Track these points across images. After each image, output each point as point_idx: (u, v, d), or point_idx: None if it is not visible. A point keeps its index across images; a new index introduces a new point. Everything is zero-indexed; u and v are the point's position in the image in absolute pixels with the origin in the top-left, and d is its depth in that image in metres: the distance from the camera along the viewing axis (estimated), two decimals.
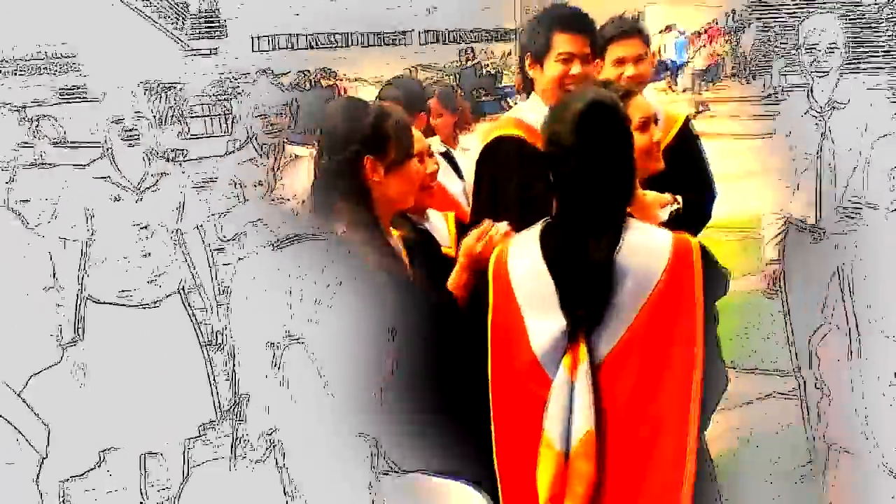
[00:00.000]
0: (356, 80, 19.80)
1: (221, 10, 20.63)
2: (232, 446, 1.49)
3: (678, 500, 2.64)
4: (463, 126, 4.90)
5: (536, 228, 2.76)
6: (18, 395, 4.09)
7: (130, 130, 4.72)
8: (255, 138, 5.01)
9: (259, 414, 1.45)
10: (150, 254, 4.74)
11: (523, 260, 2.77)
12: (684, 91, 19.91)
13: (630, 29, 3.96)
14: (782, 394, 4.90)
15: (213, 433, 4.38)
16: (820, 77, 4.80)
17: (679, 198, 3.07)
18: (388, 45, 22.32)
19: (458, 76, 22.30)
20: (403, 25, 22.61)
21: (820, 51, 4.73)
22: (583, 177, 2.60)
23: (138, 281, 4.72)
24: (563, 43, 3.56)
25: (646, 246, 2.72)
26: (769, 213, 4.73)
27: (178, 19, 19.50)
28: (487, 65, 22.43)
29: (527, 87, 3.69)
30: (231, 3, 20.71)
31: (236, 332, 1.49)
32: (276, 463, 1.40)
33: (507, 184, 3.16)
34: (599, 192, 2.61)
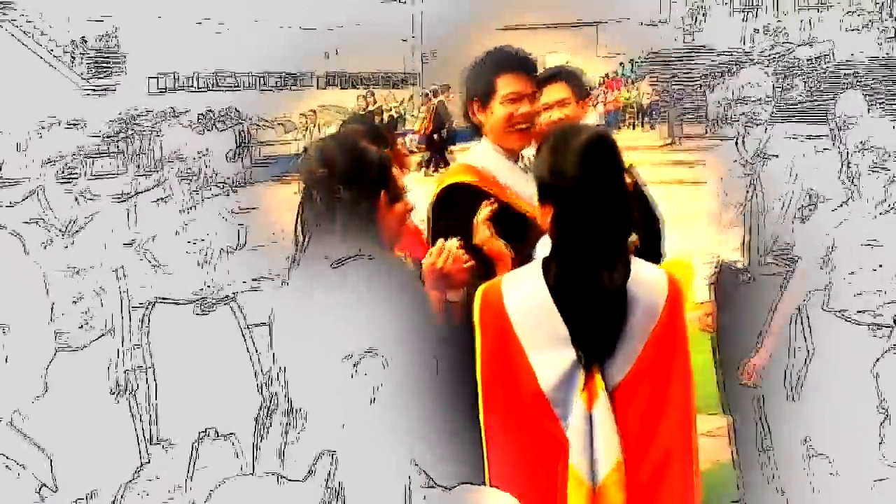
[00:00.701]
0: (261, 121, 19.64)
1: (121, 47, 20.35)
2: (281, 460, 1.41)
3: None
4: (402, 166, 4.83)
5: (535, 265, 2.73)
6: None
7: (67, 170, 4.53)
8: (171, 180, 4.82)
9: (309, 430, 1.38)
10: (80, 297, 4.56)
11: (524, 296, 2.72)
12: None
13: (553, 74, 3.98)
14: (711, 433, 4.92)
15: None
16: (749, 128, 4.89)
17: (635, 235, 3.11)
18: (289, 87, 22.32)
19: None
20: (305, 67, 22.65)
21: (751, 102, 4.82)
22: (590, 207, 2.60)
23: (70, 324, 4.52)
24: (507, 84, 3.53)
25: (648, 276, 2.74)
26: (702, 254, 4.81)
27: (74, 58, 19.14)
28: (389, 109, 22.50)
29: (475, 132, 3.66)
30: (130, 43, 20.45)
31: (285, 351, 1.42)
32: (325, 481, 1.32)
33: (463, 231, 3.11)
34: (606, 221, 2.61)
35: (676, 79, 20.51)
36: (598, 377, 2.57)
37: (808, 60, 20.74)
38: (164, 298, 4.61)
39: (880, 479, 3.68)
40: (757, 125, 4.78)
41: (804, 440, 4.05)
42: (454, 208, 3.28)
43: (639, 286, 2.65)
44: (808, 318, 4.15)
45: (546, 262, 2.71)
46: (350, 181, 2.64)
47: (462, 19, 22.85)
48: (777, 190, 4.73)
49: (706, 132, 16.70)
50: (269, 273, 4.37)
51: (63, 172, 4.80)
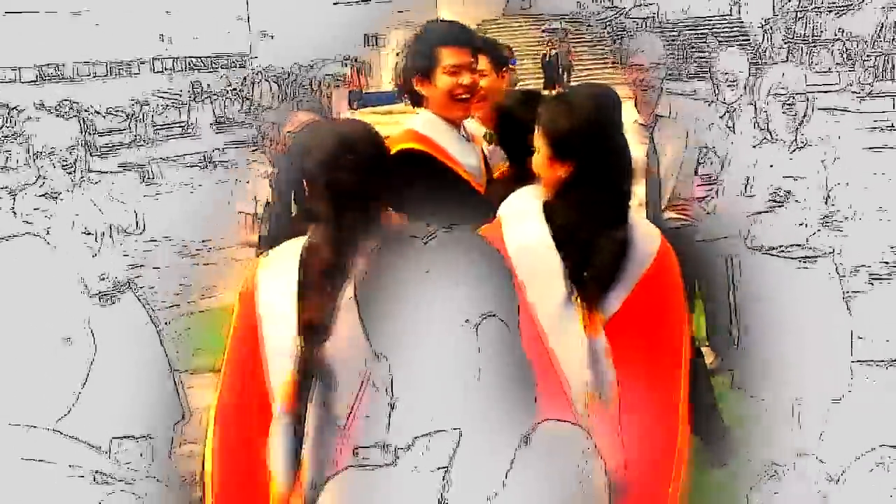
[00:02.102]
0: (94, 110, 18.89)
1: None
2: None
3: (672, 452, 2.80)
4: None
5: (534, 208, 2.77)
6: None
7: None
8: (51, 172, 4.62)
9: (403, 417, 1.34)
10: None
11: (524, 236, 2.80)
12: None
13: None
14: None
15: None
16: (644, 91, 5.03)
17: None
18: (119, 74, 21.60)
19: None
20: (136, 54, 21.95)
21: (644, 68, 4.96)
22: (598, 151, 2.69)
23: None
24: (448, 56, 3.54)
25: (642, 226, 2.84)
26: None
27: None
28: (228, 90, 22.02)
29: (414, 102, 3.64)
30: None
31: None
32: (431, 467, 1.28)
33: (418, 195, 3.09)
34: (612, 165, 2.73)
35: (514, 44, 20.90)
36: (595, 311, 2.69)
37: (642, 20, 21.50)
38: None
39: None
40: (650, 88, 4.89)
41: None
42: (406, 172, 3.25)
43: (635, 231, 2.75)
44: (732, 259, 4.30)
45: (546, 206, 2.78)
46: (372, 166, 2.64)
47: None
48: (674, 148, 4.87)
49: None
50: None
51: None
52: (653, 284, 2.73)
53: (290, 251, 2.69)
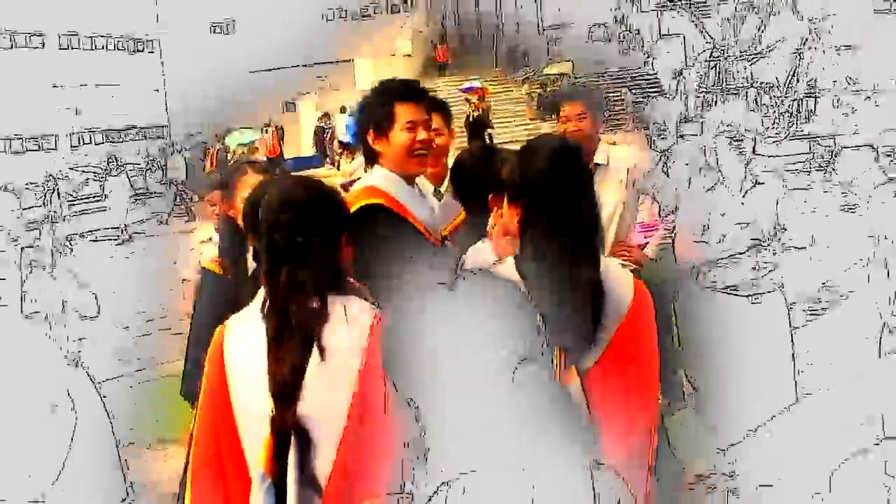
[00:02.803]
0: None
1: None
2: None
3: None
4: None
5: (508, 262, 2.76)
6: None
7: None
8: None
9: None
10: None
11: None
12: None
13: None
14: None
15: None
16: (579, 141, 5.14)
17: None
18: (34, 149, 21.24)
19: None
20: (50, 128, 21.64)
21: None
22: (558, 205, 2.67)
23: None
24: (405, 113, 3.55)
25: (616, 273, 2.81)
26: None
27: None
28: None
29: (370, 159, 3.65)
30: None
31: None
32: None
33: (384, 250, 3.10)
34: (577, 219, 2.69)
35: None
36: (573, 367, 2.67)
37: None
38: None
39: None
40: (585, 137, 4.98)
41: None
42: (373, 228, 3.26)
43: (608, 281, 2.74)
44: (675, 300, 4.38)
45: (517, 259, 2.76)
46: (318, 224, 2.63)
47: (207, 65, 22.59)
48: (613, 195, 4.96)
49: None
50: None
51: None
52: (629, 334, 2.72)
53: (254, 312, 2.68)
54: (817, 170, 6.00)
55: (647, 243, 4.89)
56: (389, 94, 3.49)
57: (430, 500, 1.46)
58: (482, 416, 1.49)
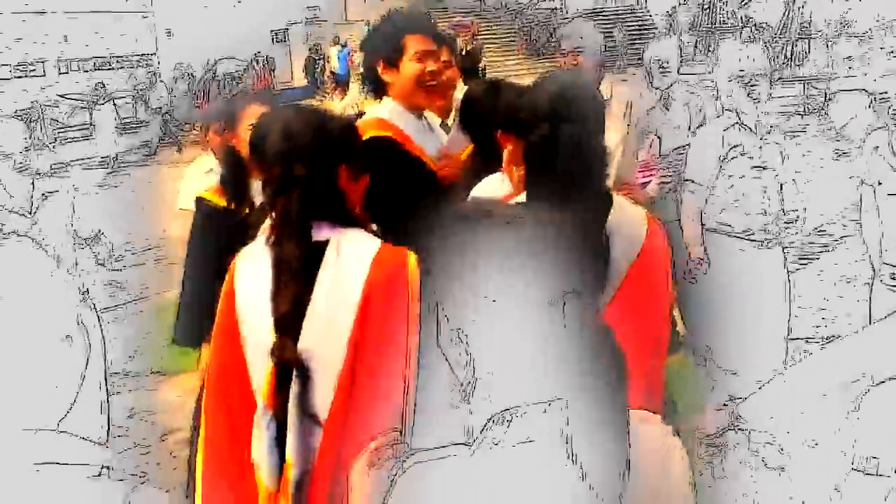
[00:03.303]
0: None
1: None
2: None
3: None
4: None
5: (521, 198, 2.75)
6: None
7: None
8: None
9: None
10: None
11: None
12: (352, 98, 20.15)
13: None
14: None
15: None
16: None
17: None
18: (22, 76, 21.03)
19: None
20: (37, 55, 21.40)
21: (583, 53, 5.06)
22: (570, 142, 2.63)
23: None
24: (416, 43, 3.54)
25: (628, 209, 2.77)
26: None
27: None
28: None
29: (378, 91, 3.64)
30: None
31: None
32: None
33: (391, 181, 3.10)
34: (586, 155, 2.65)
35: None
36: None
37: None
38: None
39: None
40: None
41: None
42: (380, 160, 3.26)
43: (620, 219, 2.72)
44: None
45: (527, 197, 2.73)
46: (311, 154, 2.58)
47: None
48: (614, 132, 5.00)
49: None
50: None
51: None
52: (642, 272, 2.72)
53: (261, 244, 2.69)
54: (810, 113, 6.02)
55: (648, 181, 4.92)
56: (399, 25, 3.48)
57: (480, 432, 1.49)
58: (528, 349, 1.50)
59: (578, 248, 1.51)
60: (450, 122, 3.93)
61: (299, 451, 2.53)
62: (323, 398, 2.54)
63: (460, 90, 3.98)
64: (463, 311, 1.48)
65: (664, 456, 1.63)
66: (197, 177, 4.75)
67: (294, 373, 2.53)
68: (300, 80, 23.25)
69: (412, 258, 2.58)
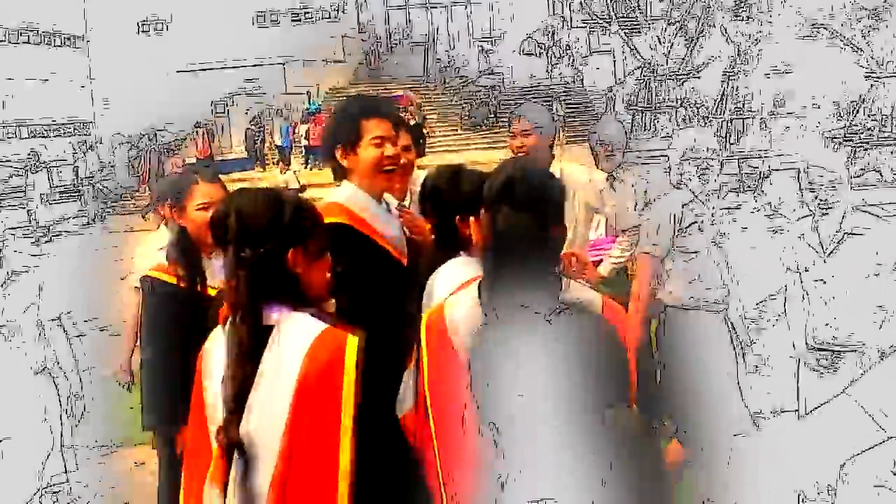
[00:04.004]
0: None
1: None
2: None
3: None
4: None
5: (472, 288, 2.77)
6: None
7: None
8: None
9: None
10: None
11: (465, 312, 2.73)
12: (293, 171, 20.05)
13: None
14: None
15: None
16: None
17: None
18: None
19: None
20: None
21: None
22: (516, 232, 2.65)
23: None
24: (373, 128, 3.59)
25: (581, 291, 2.78)
26: None
27: None
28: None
29: (338, 175, 3.69)
30: None
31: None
32: None
33: (350, 269, 3.13)
34: (532, 247, 2.67)
35: None
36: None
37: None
38: None
39: None
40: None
41: None
42: (337, 247, 3.30)
43: (575, 303, 2.61)
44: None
45: (479, 287, 2.78)
46: (256, 237, 2.65)
47: (135, 64, 22.30)
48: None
49: None
50: None
51: None
52: None
53: (225, 325, 2.74)
54: (746, 190, 6.22)
55: (600, 261, 5.01)
56: (356, 110, 3.56)
57: None
58: (563, 451, 1.51)
59: (622, 359, 1.53)
60: (406, 203, 4.00)
61: None
62: (264, 478, 2.60)
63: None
64: (497, 406, 1.49)
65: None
66: (149, 255, 4.76)
67: (236, 453, 2.60)
68: (240, 151, 23.26)
69: (353, 341, 2.63)
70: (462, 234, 3.16)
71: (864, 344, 4.11)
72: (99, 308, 10.27)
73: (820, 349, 4.18)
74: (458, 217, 3.13)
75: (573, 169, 5.25)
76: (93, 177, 20.94)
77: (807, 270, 4.25)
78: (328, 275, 2.78)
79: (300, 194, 2.98)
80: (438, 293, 3.07)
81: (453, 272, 3.13)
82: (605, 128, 5.72)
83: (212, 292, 3.85)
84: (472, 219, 2.89)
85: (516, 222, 2.68)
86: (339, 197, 3.54)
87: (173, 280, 3.82)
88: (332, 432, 2.59)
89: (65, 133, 22.56)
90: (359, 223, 3.48)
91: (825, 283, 4.16)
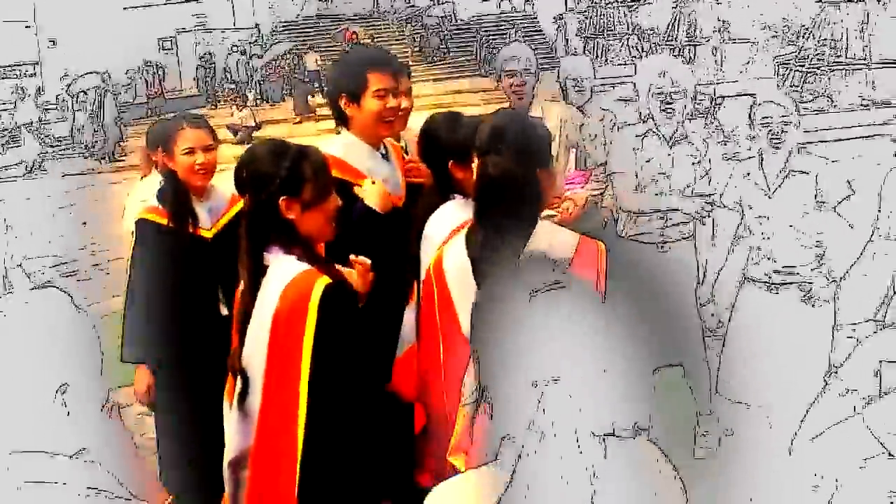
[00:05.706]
0: None
1: None
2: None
3: None
4: None
5: (463, 232, 2.93)
6: None
7: None
8: None
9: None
10: None
11: (454, 259, 2.95)
12: (249, 108, 19.87)
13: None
14: None
15: None
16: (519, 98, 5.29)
17: None
18: None
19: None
20: None
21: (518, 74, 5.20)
22: (498, 180, 2.80)
23: None
24: (377, 80, 3.63)
25: (557, 232, 2.93)
26: None
27: None
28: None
29: (340, 121, 3.79)
30: None
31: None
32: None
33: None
34: (512, 195, 2.81)
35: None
36: None
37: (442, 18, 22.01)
38: None
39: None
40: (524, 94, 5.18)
41: None
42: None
43: (551, 240, 2.89)
44: None
45: (468, 231, 2.96)
46: (256, 185, 2.92)
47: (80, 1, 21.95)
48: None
49: None
50: None
51: None
52: None
53: None
54: (698, 117, 6.37)
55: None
56: (362, 61, 3.69)
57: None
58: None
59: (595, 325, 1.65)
60: (401, 144, 4.09)
61: (233, 437, 2.99)
62: (256, 401, 2.94)
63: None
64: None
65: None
66: (137, 204, 4.87)
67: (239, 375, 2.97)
68: (190, 88, 23.05)
69: (320, 283, 2.85)
70: (455, 178, 3.31)
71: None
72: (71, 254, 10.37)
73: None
74: (451, 162, 3.27)
75: (553, 107, 5.31)
76: (30, 123, 20.70)
77: (751, 208, 4.40)
78: (328, 220, 2.97)
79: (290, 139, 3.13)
80: (433, 234, 3.24)
81: (447, 215, 3.27)
82: (572, 63, 5.82)
83: (203, 233, 4.00)
84: (463, 167, 3.09)
85: (505, 167, 2.85)
86: (335, 149, 3.61)
87: (164, 220, 3.97)
88: (296, 365, 2.88)
89: (9, 75, 22.28)
90: (350, 173, 3.58)
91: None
